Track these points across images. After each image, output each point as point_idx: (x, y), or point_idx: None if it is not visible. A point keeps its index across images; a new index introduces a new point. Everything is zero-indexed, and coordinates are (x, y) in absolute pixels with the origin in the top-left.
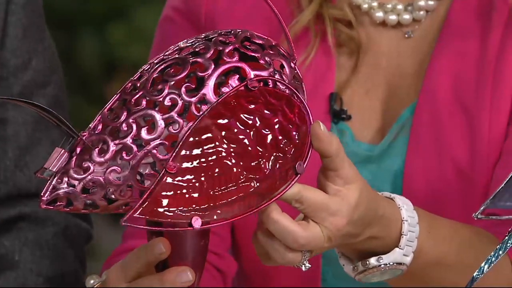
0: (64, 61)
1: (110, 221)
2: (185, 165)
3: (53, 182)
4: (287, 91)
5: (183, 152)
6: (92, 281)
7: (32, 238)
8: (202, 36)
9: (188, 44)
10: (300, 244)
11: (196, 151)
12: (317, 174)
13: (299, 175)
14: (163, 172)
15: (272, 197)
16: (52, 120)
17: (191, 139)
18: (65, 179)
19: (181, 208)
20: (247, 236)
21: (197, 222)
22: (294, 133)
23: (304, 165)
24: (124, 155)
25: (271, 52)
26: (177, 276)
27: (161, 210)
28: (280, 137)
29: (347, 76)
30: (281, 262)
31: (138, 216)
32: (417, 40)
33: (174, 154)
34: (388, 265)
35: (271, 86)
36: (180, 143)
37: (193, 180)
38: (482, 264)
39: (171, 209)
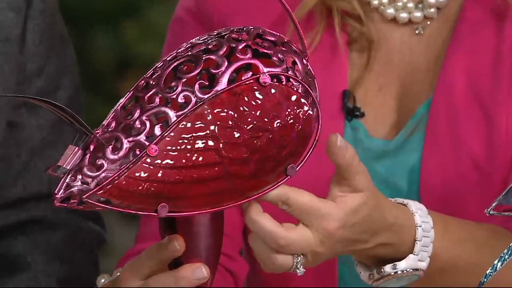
0: (77, 58)
1: (123, 219)
2: (168, 150)
3: (67, 180)
4: (299, 88)
5: (168, 138)
6: (103, 280)
7: (44, 241)
8: (215, 33)
9: (200, 41)
10: (279, 245)
11: (183, 138)
12: (311, 180)
13: (287, 177)
14: (142, 153)
15: (252, 196)
16: (65, 117)
17: (182, 126)
18: (79, 176)
19: (153, 192)
20: None
21: (163, 210)
22: (294, 134)
23: (297, 168)
24: (138, 152)
25: (283, 49)
26: (192, 272)
27: (130, 191)
28: (277, 137)
29: (360, 73)
30: (271, 266)
31: (102, 194)
32: (429, 37)
33: (159, 138)
34: (403, 271)
35: (284, 82)
36: (169, 128)
37: (171, 167)
38: (495, 262)
39: (140, 192)
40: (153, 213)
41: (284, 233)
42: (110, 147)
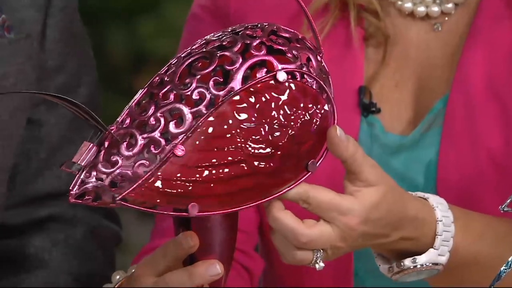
0: (93, 54)
1: (138, 217)
2: (193, 149)
3: (82, 176)
4: (314, 84)
5: (193, 137)
6: (118, 277)
7: (61, 238)
8: (229, 30)
9: (214, 38)
10: (301, 242)
11: (207, 137)
12: (332, 175)
13: (309, 173)
14: (169, 154)
15: (274, 193)
16: (80, 114)
17: (207, 126)
18: (94, 173)
19: (181, 193)
20: None
21: (194, 209)
22: (313, 130)
23: (317, 164)
24: (152, 149)
25: (298, 45)
26: (206, 269)
27: (161, 191)
28: (297, 133)
29: (376, 69)
30: (291, 260)
31: (132, 195)
32: (446, 33)
33: (185, 137)
34: (423, 266)
35: (298, 79)
36: (194, 127)
37: (198, 167)
38: (510, 259)
39: (171, 192)
40: (184, 213)
41: (306, 230)
42: (125, 143)
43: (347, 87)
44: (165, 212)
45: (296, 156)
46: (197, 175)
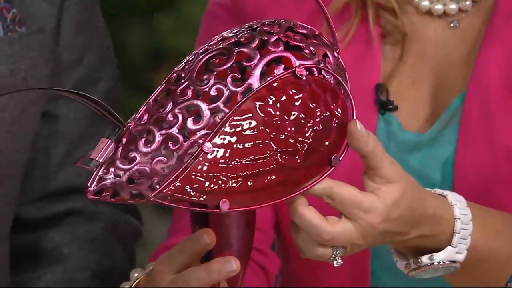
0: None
1: (156, 212)
2: (220, 147)
3: (100, 173)
4: (332, 80)
5: (221, 135)
6: (136, 274)
7: (81, 233)
8: (246, 26)
9: (231, 34)
10: (324, 239)
11: (234, 135)
12: (351, 170)
13: (333, 168)
14: (198, 151)
15: (300, 188)
16: (98, 110)
17: (232, 123)
18: (112, 169)
19: (211, 190)
20: None
21: (225, 205)
22: (334, 125)
23: (340, 159)
24: (170, 145)
25: (315, 41)
26: (223, 265)
27: (190, 189)
28: (319, 128)
29: (393, 67)
30: (311, 256)
31: (167, 192)
32: (463, 30)
33: (212, 135)
34: (440, 263)
35: (316, 74)
36: (220, 124)
37: (226, 164)
38: None
39: (200, 189)
40: (215, 209)
41: (329, 227)
42: (143, 140)
43: (364, 85)
44: (196, 209)
45: (319, 151)
46: (225, 172)
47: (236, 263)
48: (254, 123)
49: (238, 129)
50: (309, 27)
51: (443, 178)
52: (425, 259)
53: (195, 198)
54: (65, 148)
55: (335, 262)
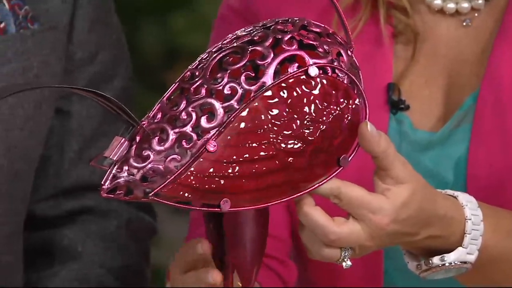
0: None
1: (170, 210)
2: (226, 145)
3: (113, 171)
4: (345, 79)
5: (225, 133)
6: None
7: (95, 230)
8: (260, 25)
9: (245, 33)
10: (330, 239)
11: (240, 133)
12: (360, 170)
13: (341, 168)
14: (202, 149)
15: (307, 188)
16: (111, 108)
17: (238, 119)
18: (125, 167)
19: (213, 188)
20: None
21: (226, 205)
22: (344, 125)
23: (349, 159)
24: (184, 143)
25: (328, 40)
26: (205, 275)
27: (193, 187)
28: (329, 128)
29: (405, 66)
30: (318, 257)
31: (167, 192)
32: (476, 29)
33: (217, 133)
34: (452, 264)
35: (329, 73)
36: (227, 122)
37: (231, 162)
38: None
39: (203, 187)
40: (216, 209)
41: (335, 228)
42: (156, 138)
43: (376, 84)
44: (197, 208)
45: (327, 151)
46: (229, 171)
47: (212, 275)
48: (261, 121)
49: (244, 128)
50: (323, 25)
51: (456, 177)
52: (436, 260)
53: (191, 196)
54: (78, 145)
55: (344, 263)
